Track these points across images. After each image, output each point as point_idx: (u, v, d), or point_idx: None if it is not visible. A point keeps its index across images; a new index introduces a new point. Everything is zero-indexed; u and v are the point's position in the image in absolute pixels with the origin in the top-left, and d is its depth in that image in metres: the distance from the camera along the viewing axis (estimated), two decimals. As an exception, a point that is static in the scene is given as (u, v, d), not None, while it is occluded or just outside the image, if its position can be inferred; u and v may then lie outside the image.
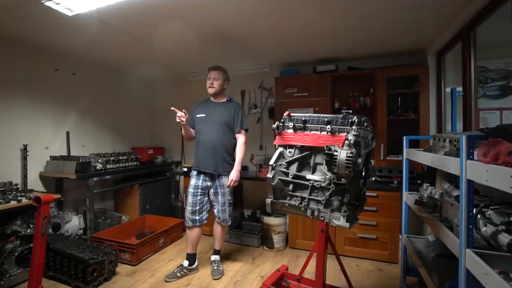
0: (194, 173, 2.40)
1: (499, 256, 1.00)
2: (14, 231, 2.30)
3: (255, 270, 2.54)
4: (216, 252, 2.55)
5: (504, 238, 0.98)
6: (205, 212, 2.38)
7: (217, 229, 2.49)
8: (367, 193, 2.56)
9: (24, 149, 2.76)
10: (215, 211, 2.42)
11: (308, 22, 2.28)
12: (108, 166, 3.14)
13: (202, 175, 2.36)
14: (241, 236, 3.12)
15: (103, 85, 3.66)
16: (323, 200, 1.37)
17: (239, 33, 2.52)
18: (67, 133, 3.22)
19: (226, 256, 2.79)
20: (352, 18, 2.18)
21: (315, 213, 1.40)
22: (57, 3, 1.86)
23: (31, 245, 2.33)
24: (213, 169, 2.33)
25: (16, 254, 2.25)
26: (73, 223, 2.79)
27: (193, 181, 2.38)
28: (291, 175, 1.46)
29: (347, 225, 1.29)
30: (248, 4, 1.94)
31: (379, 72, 2.89)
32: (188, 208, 2.35)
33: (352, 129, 1.32)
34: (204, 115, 2.40)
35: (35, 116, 2.90)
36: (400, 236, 2.34)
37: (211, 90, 2.40)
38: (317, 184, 1.38)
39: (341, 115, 1.40)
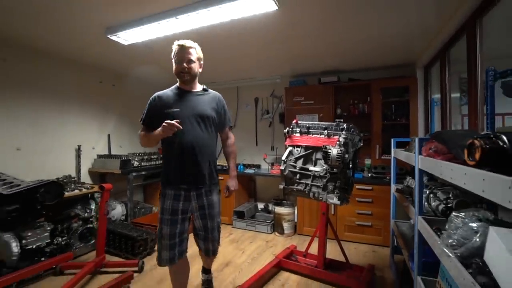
0: (169, 192, 1.65)
1: (437, 220, 1.47)
2: (77, 214, 2.87)
3: (268, 249, 3.04)
4: (206, 271, 2.08)
5: (441, 208, 1.46)
6: (186, 241, 1.73)
7: (205, 259, 1.97)
8: (363, 187, 3.08)
9: (78, 149, 3.36)
10: (201, 241, 1.78)
11: (315, 45, 2.78)
12: (142, 164, 3.70)
13: (182, 194, 1.65)
14: (256, 224, 3.63)
15: (135, 94, 4.24)
16: (321, 185, 1.87)
17: (256, 55, 3.05)
18: (108, 135, 3.81)
19: (243, 240, 3.30)
20: (352, 41, 2.66)
21: (316, 195, 1.90)
22: (118, 37, 2.43)
23: (89, 225, 2.92)
24: (201, 183, 1.67)
25: (78, 232, 2.82)
26: (117, 210, 3.37)
27: (168, 204, 1.64)
28: (298, 167, 1.97)
29: (338, 202, 1.79)
30: (267, 33, 2.47)
31: (375, 83, 3.36)
32: (164, 243, 1.64)
33: (342, 133, 1.81)
34: (178, 109, 1.65)
35: (84, 121, 3.49)
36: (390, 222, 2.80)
37: (185, 77, 1.69)
38: (317, 174, 1.88)
39: (335, 123, 1.89)
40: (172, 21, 2.11)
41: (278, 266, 2.52)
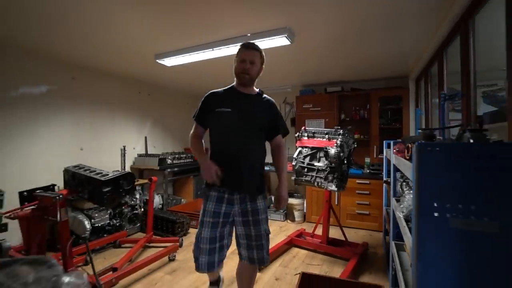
0: (213, 194, 1.61)
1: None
2: (126, 202, 3.56)
3: (282, 232, 3.65)
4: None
5: (406, 190, 2.03)
6: (226, 249, 1.66)
7: (246, 272, 1.74)
8: (362, 181, 3.65)
9: (123, 149, 4.06)
10: (244, 251, 1.65)
11: (321, 63, 3.38)
12: (174, 162, 4.38)
13: (226, 197, 1.60)
14: (271, 214, 4.24)
15: (167, 101, 4.94)
16: (323, 176, 2.47)
17: (272, 71, 3.66)
18: (145, 137, 4.51)
19: (261, 225, 3.93)
20: (353, 60, 3.24)
21: (319, 184, 2.50)
22: (164, 61, 3.09)
23: (135, 211, 3.61)
24: (246, 187, 1.60)
25: (128, 216, 3.51)
26: (156, 200, 4.05)
27: (211, 206, 1.59)
28: (305, 163, 2.57)
29: (336, 189, 2.38)
30: (282, 57, 3.08)
31: (373, 93, 3.92)
32: (203, 247, 1.56)
33: (339, 137, 2.41)
34: (229, 109, 1.60)
35: (127, 125, 4.20)
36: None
37: (245, 77, 1.63)
38: (320, 168, 2.48)
39: (333, 129, 2.49)
40: (208, 51, 2.75)
41: (290, 244, 3.13)
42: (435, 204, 1.05)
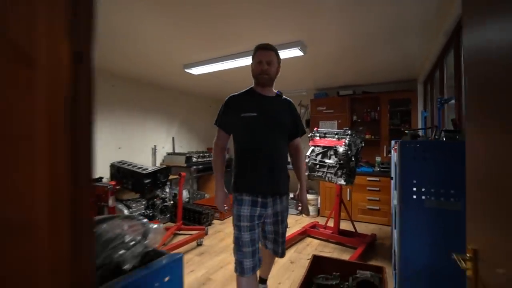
0: (247, 198, 1.59)
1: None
2: (157, 195, 4.01)
3: (298, 225, 3.97)
4: (263, 281, 2.04)
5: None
6: (259, 250, 1.66)
7: (269, 257, 1.91)
8: (373, 179, 3.90)
9: (154, 148, 4.53)
10: (270, 244, 1.77)
11: (333, 69, 3.68)
12: (198, 160, 4.80)
13: (259, 201, 1.60)
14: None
15: (192, 105, 5.39)
16: (333, 172, 2.77)
17: (288, 77, 4.00)
18: (173, 138, 4.97)
19: (277, 219, 4.27)
20: (364, 65, 3.51)
21: (330, 179, 2.81)
22: (191, 70, 3.51)
23: (165, 203, 4.05)
24: (277, 190, 1.64)
25: (159, 207, 3.95)
26: (183, 194, 4.48)
27: (246, 211, 1.58)
28: (317, 160, 2.89)
29: (344, 183, 2.68)
30: (297, 65, 3.41)
31: (383, 96, 4.16)
32: (246, 250, 1.56)
33: (347, 137, 2.71)
34: (255, 114, 1.60)
35: (157, 127, 4.67)
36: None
37: (264, 78, 1.64)
38: (330, 164, 2.79)
39: (342, 130, 2.79)
40: (230, 61, 3.13)
41: (304, 234, 3.45)
42: (414, 189, 1.36)
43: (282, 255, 1.80)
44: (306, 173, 2.96)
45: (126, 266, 0.68)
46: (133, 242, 0.74)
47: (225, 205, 1.70)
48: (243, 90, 1.74)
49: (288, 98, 1.82)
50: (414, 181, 1.35)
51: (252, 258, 1.57)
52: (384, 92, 4.23)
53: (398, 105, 4.14)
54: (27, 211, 0.32)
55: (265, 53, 1.64)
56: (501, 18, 0.60)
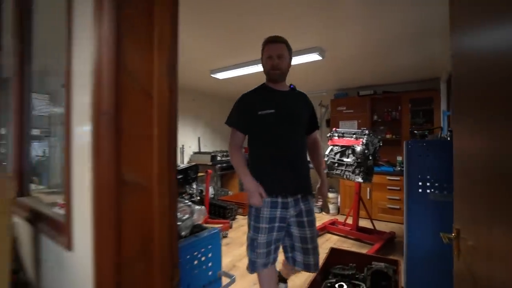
0: (266, 200, 1.51)
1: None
2: (185, 191, 4.33)
3: (318, 221, 4.10)
4: (283, 280, 1.97)
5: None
6: (278, 249, 1.59)
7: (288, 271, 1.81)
8: (393, 178, 3.97)
9: (182, 147, 4.88)
10: (299, 255, 1.56)
11: (353, 71, 3.80)
12: (223, 158, 5.09)
13: (280, 201, 1.52)
14: (307, 206, 4.73)
15: (216, 107, 5.70)
16: (351, 170, 2.92)
17: (309, 78, 4.16)
18: (199, 138, 5.30)
19: (298, 215, 4.45)
20: (385, 67, 3.61)
21: (348, 177, 2.96)
22: (217, 75, 3.78)
23: (192, 199, 4.36)
24: (299, 189, 1.54)
25: (188, 202, 4.27)
26: (209, 190, 4.79)
27: (265, 213, 1.51)
28: (336, 159, 3.04)
29: (361, 180, 2.82)
30: (317, 67, 3.58)
31: (404, 95, 4.20)
32: (260, 251, 1.51)
33: (364, 137, 2.84)
34: (272, 111, 1.52)
35: (184, 127, 5.01)
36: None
37: (276, 73, 1.56)
38: (348, 163, 2.94)
39: (360, 130, 2.92)
40: (253, 66, 3.36)
41: (324, 230, 3.60)
42: (419, 183, 1.51)
43: (315, 268, 1.54)
44: (325, 171, 3.12)
45: (183, 233, 0.92)
46: (185, 217, 0.99)
47: (260, 192, 1.47)
48: (256, 87, 1.66)
49: (302, 92, 1.73)
50: (419, 176, 1.49)
51: (266, 258, 1.51)
52: (405, 91, 4.27)
53: (420, 104, 4.16)
54: (147, 180, 0.56)
55: (275, 47, 1.54)
56: (478, 28, 0.71)
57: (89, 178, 0.58)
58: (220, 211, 4.13)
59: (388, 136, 4.42)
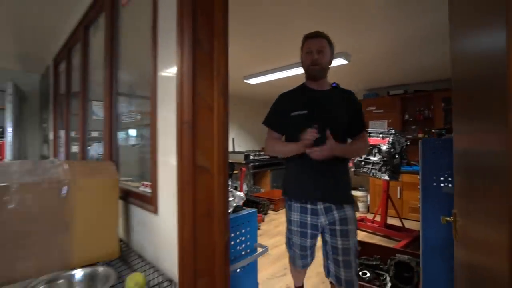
0: (295, 205, 1.49)
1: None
2: (222, 187, 4.71)
3: (346, 218, 4.25)
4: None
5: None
6: (313, 255, 1.57)
7: None
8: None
9: (218, 147, 5.27)
10: (330, 263, 1.45)
11: (379, 72, 3.88)
12: (255, 158, 5.40)
13: (309, 208, 1.45)
14: (336, 204, 4.86)
15: (248, 110, 6.04)
16: (377, 168, 3.04)
17: (337, 79, 4.31)
18: (233, 138, 5.67)
19: (327, 212, 4.61)
20: (417, 66, 3.65)
21: (374, 174, 3.09)
22: (249, 80, 4.09)
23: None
24: (331, 197, 1.42)
25: (223, 197, 4.64)
26: (243, 187, 5.13)
27: (296, 217, 1.49)
28: (363, 157, 3.18)
29: (388, 178, 2.93)
30: (344, 69, 3.73)
31: (436, 94, 4.17)
32: (296, 252, 1.53)
33: (390, 136, 2.95)
34: (305, 112, 1.45)
35: (220, 129, 5.40)
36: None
37: (315, 70, 1.47)
38: (375, 161, 3.06)
39: (387, 130, 3.04)
40: (283, 72, 3.61)
41: (352, 226, 3.73)
42: (434, 177, 1.66)
43: (347, 285, 1.38)
44: (352, 169, 3.27)
45: (229, 211, 1.22)
46: (229, 199, 1.28)
47: (304, 140, 1.34)
48: (295, 87, 1.62)
49: (348, 90, 1.57)
50: (433, 171, 1.65)
51: (302, 260, 1.52)
52: (437, 90, 4.23)
53: (452, 104, 4.09)
54: (211, 165, 0.86)
55: (315, 41, 1.46)
56: (472, 33, 0.79)
57: (172, 165, 0.89)
58: (253, 206, 4.43)
59: (420, 135, 4.40)
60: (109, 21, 1.39)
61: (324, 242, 1.48)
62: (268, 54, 3.17)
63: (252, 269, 1.28)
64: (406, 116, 4.57)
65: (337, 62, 3.11)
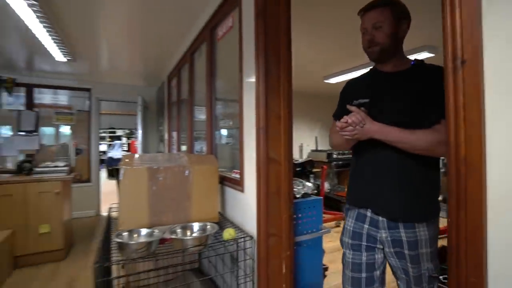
0: (352, 209, 1.24)
1: None
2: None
3: (440, 224, 3.89)
4: None
5: None
6: (380, 285, 1.17)
7: None
8: None
9: (301, 146, 5.57)
10: (402, 284, 1.13)
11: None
12: (338, 156, 5.44)
13: (368, 216, 1.14)
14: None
15: (328, 109, 6.07)
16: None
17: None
18: (316, 137, 5.86)
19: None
20: None
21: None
22: (329, 80, 4.22)
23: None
24: (394, 208, 1.07)
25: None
26: (325, 185, 5.27)
27: (350, 224, 1.23)
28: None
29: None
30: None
31: None
32: (347, 273, 1.20)
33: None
34: (367, 100, 1.15)
35: (302, 127, 5.67)
36: None
37: (373, 53, 1.14)
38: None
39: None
40: (363, 69, 3.61)
41: (443, 233, 3.42)
42: None
43: None
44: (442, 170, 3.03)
45: (298, 196, 1.53)
46: (299, 187, 1.59)
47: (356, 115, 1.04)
48: (365, 72, 1.35)
49: (435, 66, 1.08)
50: None
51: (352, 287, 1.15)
52: None
53: None
54: (279, 157, 1.19)
55: (369, 16, 1.12)
56: None
57: (253, 157, 1.26)
58: (335, 204, 4.54)
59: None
60: (209, 49, 1.91)
61: (390, 264, 1.14)
62: (346, 53, 3.28)
63: (317, 244, 1.55)
64: None
65: (423, 56, 2.95)
